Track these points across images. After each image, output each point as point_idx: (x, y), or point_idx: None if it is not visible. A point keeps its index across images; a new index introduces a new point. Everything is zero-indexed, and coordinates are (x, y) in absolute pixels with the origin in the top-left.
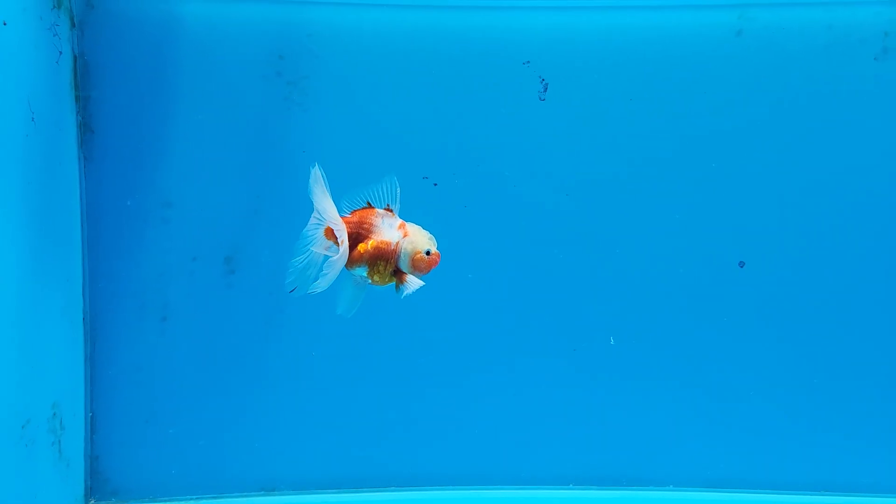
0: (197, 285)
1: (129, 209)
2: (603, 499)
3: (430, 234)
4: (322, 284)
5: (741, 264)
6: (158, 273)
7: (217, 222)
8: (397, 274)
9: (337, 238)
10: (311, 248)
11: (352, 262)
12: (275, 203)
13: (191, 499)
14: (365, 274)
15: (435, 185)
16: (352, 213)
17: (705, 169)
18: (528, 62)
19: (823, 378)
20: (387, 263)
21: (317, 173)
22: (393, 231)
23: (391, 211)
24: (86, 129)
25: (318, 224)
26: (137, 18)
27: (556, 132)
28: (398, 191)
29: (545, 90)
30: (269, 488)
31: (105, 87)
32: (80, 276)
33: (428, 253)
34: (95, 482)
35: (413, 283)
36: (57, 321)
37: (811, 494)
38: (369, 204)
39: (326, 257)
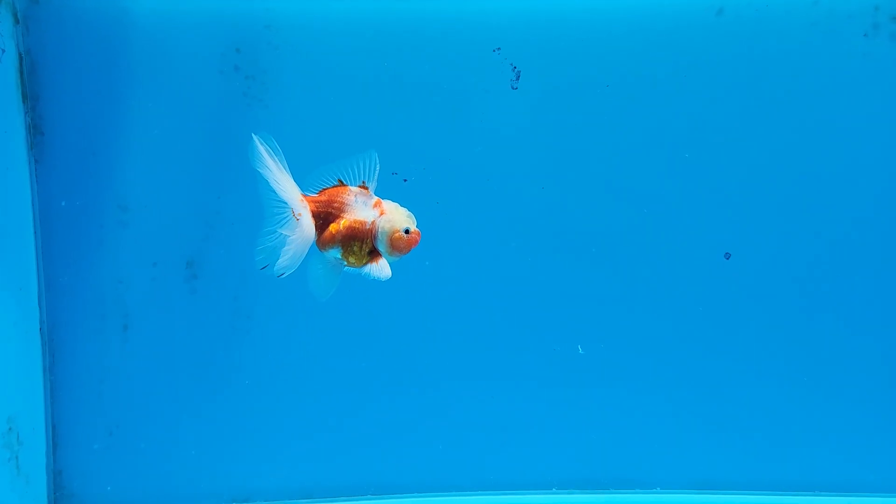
0: (158, 291)
1: (85, 213)
2: (588, 502)
3: (408, 212)
4: (285, 264)
5: (727, 256)
6: (117, 279)
7: (177, 225)
8: (373, 255)
9: (302, 216)
10: (278, 230)
11: (324, 243)
12: (237, 203)
13: None
14: (339, 255)
15: (405, 181)
16: (320, 191)
17: (686, 156)
18: (499, 49)
19: (812, 377)
20: (362, 244)
21: (259, 146)
22: (368, 209)
23: (366, 189)
24: (35, 131)
25: (280, 201)
26: (86, 13)
27: (529, 122)
28: (377, 167)
29: (517, 78)
30: (241, 499)
31: (54, 87)
32: (35, 284)
33: (407, 231)
34: (59, 496)
35: (382, 267)
36: (11, 332)
37: (799, 495)
38: (341, 182)
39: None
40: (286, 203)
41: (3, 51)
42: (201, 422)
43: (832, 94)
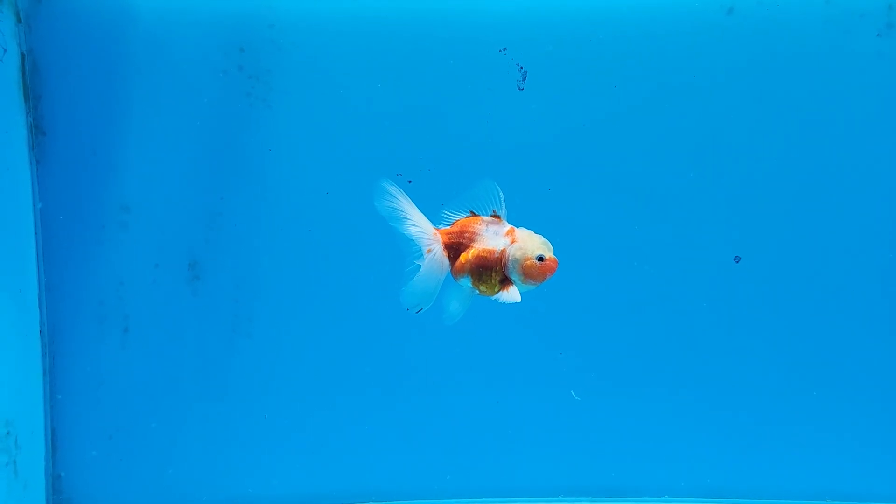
0: (160, 293)
1: (86, 214)
2: None
3: (543, 239)
4: (427, 300)
5: (737, 259)
6: (119, 281)
7: (179, 226)
8: (505, 283)
9: (433, 249)
10: (418, 263)
11: (455, 272)
12: (239, 205)
13: None
14: (470, 284)
15: (409, 182)
16: (452, 223)
17: (696, 157)
18: (505, 49)
19: (823, 384)
20: (492, 272)
21: (392, 190)
22: (498, 238)
23: (498, 217)
24: (37, 131)
25: (417, 238)
26: (88, 12)
27: (536, 123)
28: (501, 195)
29: (524, 79)
30: None
31: (56, 86)
32: (35, 286)
33: (541, 259)
34: (58, 501)
35: (512, 294)
36: (10, 335)
37: (808, 502)
38: (472, 213)
39: (433, 270)
40: (420, 238)
41: (5, 50)
42: (202, 426)
43: (845, 93)
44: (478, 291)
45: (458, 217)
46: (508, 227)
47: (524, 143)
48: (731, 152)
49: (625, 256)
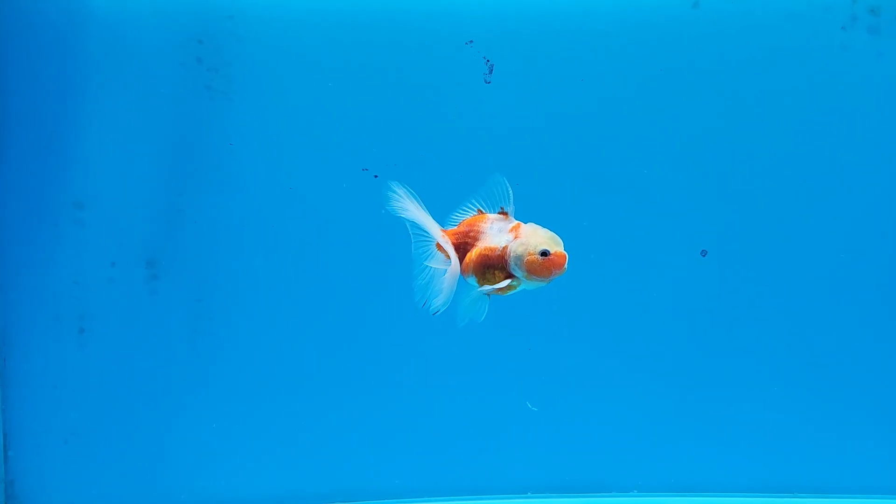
0: (117, 293)
1: (40, 212)
2: None
3: (550, 234)
4: (440, 302)
5: (703, 253)
6: (74, 280)
7: (136, 224)
8: (511, 281)
9: (447, 251)
10: (427, 264)
11: (464, 273)
12: (199, 201)
13: None
14: (477, 284)
15: (375, 176)
16: (460, 223)
17: (663, 150)
18: (471, 42)
19: (789, 376)
20: (495, 270)
21: (400, 192)
22: (502, 235)
23: (505, 214)
24: None
25: (425, 240)
26: (41, 4)
27: (503, 116)
28: (509, 191)
29: (490, 72)
30: None
31: (8, 81)
32: None
33: (545, 254)
34: None
35: (503, 284)
36: None
37: (776, 496)
38: (480, 211)
39: (444, 271)
40: (427, 240)
41: None
42: (161, 429)
43: (810, 86)
44: (485, 291)
45: (467, 216)
46: (515, 223)
47: (491, 137)
48: (696, 143)
49: (591, 249)
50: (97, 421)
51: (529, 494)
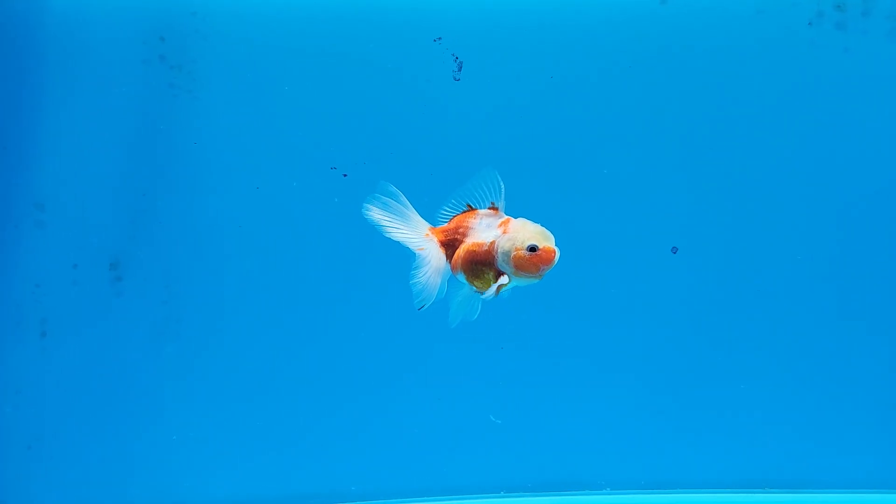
0: (79, 295)
1: None
2: None
3: (540, 229)
4: (424, 298)
5: (674, 250)
6: (35, 283)
7: (99, 225)
8: (500, 278)
9: (425, 247)
10: (418, 263)
11: (453, 270)
12: (164, 201)
13: None
14: (466, 282)
15: (344, 175)
16: (451, 219)
17: (632, 147)
18: (440, 39)
19: (760, 372)
20: (483, 267)
21: (383, 196)
22: (491, 230)
23: (495, 210)
24: None
25: (411, 237)
26: None
27: (472, 114)
28: (501, 185)
29: (459, 69)
30: None
31: None
32: None
33: (533, 249)
34: None
35: (499, 281)
36: None
37: (747, 492)
38: (470, 207)
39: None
40: (413, 238)
41: None
42: (125, 433)
43: (777, 82)
44: (476, 290)
45: (457, 213)
46: (504, 218)
47: (460, 135)
48: (666, 139)
49: (563, 246)
50: (61, 426)
51: (503, 493)
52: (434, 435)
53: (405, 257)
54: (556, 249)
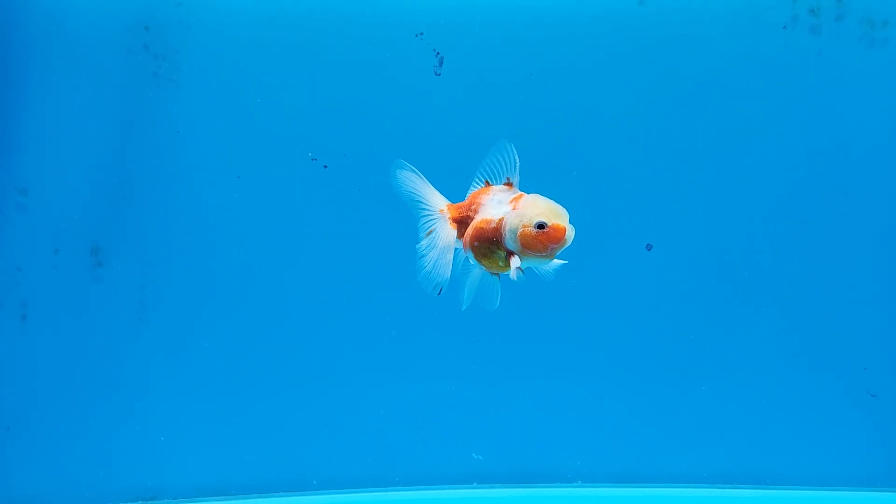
0: (60, 280)
1: None
2: (509, 497)
3: (553, 206)
4: (434, 277)
5: (648, 247)
6: (15, 267)
7: (80, 210)
8: (511, 258)
9: (436, 226)
10: (427, 240)
11: (465, 248)
12: (145, 188)
13: None
14: (475, 262)
15: (325, 167)
16: (468, 196)
17: (608, 146)
18: (422, 34)
19: (731, 367)
20: (490, 245)
21: (404, 172)
22: (501, 207)
23: (510, 185)
24: None
25: (426, 215)
26: None
27: (453, 110)
28: (516, 159)
29: (440, 64)
30: (147, 498)
31: None
32: None
33: (542, 227)
34: None
35: (512, 263)
36: None
37: (718, 487)
38: (487, 183)
39: (457, 250)
40: (428, 215)
41: None
42: (104, 417)
43: (751, 85)
44: (486, 269)
45: (476, 189)
46: (518, 194)
47: (440, 129)
48: (642, 139)
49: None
50: (39, 409)
51: (475, 484)
52: (405, 427)
53: (387, 245)
54: (570, 227)
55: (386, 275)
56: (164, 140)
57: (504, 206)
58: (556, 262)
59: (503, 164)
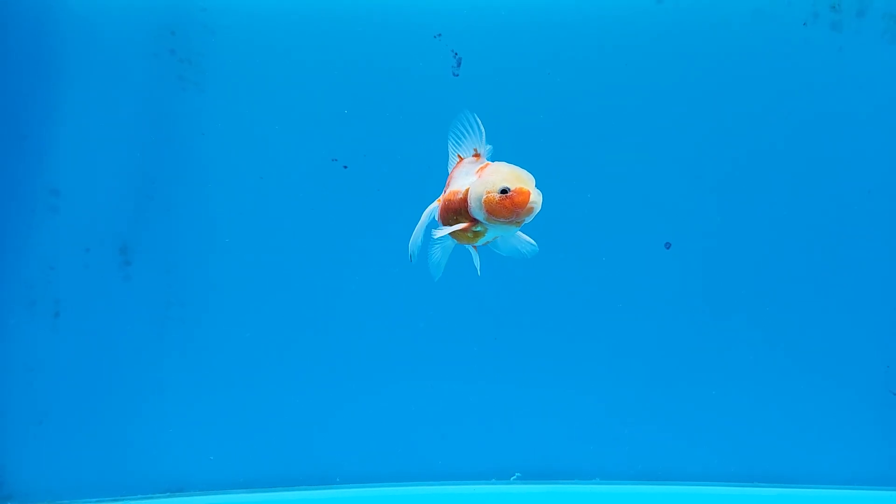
0: (91, 278)
1: (15, 198)
2: (528, 493)
3: (516, 171)
4: (411, 247)
5: (667, 245)
6: (49, 266)
7: (110, 210)
8: (472, 226)
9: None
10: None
11: (440, 222)
12: (172, 189)
13: (91, 501)
14: (447, 234)
15: (345, 167)
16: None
17: (627, 143)
18: (440, 35)
19: (750, 368)
20: (460, 217)
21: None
22: (469, 177)
23: (478, 155)
24: None
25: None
26: None
27: (471, 109)
28: (481, 128)
29: (458, 65)
30: (175, 489)
31: None
32: None
33: (505, 192)
34: None
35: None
36: None
37: (735, 485)
38: (460, 157)
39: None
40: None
41: None
42: (133, 411)
43: (773, 81)
44: (458, 242)
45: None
46: (484, 163)
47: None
48: (662, 137)
49: (558, 242)
50: (71, 403)
51: (493, 480)
52: (426, 422)
53: (404, 250)
54: (536, 192)
55: (408, 273)
56: (189, 142)
57: (471, 177)
58: (525, 237)
59: (468, 135)
